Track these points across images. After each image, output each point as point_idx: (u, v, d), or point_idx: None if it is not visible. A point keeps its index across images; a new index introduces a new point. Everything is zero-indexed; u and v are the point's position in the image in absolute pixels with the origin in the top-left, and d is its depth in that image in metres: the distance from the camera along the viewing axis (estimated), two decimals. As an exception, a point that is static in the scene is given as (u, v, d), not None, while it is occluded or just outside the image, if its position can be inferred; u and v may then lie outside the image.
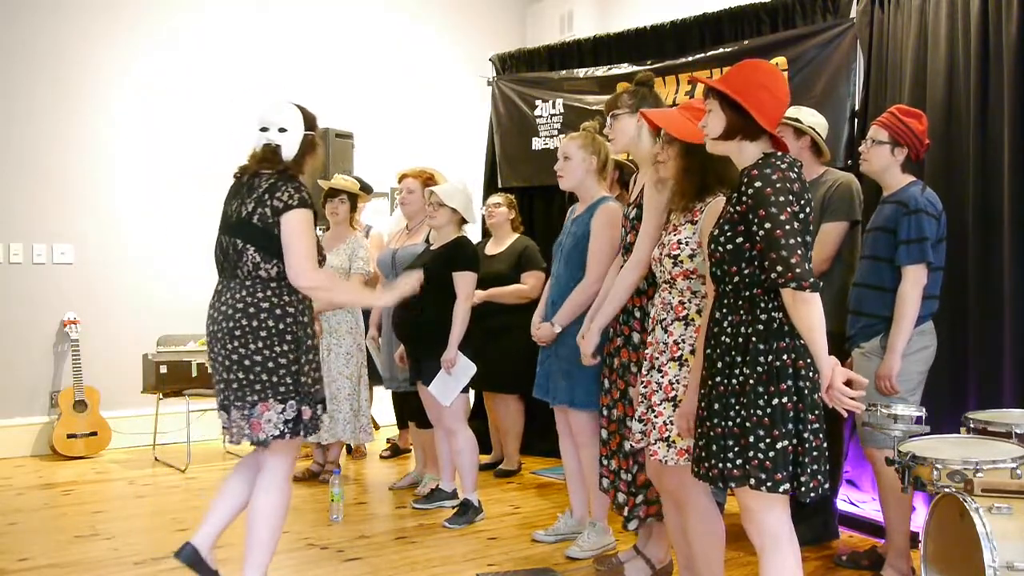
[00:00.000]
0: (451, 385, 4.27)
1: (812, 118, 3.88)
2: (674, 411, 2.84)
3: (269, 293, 2.99)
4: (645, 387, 2.98)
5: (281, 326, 2.97)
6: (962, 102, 4.05)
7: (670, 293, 2.94)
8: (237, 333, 2.95)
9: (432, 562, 3.81)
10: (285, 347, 2.97)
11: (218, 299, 3.05)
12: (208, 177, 5.86)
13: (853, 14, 4.54)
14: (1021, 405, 3.59)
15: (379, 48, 7.15)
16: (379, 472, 5.58)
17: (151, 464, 5.71)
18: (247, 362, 2.95)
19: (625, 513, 3.43)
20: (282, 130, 3.07)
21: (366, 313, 5.29)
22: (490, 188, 6.23)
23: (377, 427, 6.63)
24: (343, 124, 6.18)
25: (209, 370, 3.17)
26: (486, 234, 5.57)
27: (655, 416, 2.89)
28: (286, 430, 2.98)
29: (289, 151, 3.06)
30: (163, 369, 5.68)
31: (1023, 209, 3.86)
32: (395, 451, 5.96)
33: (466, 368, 4.26)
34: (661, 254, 2.97)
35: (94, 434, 5.87)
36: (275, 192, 2.98)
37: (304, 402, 3.01)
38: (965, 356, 3.99)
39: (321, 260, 3.12)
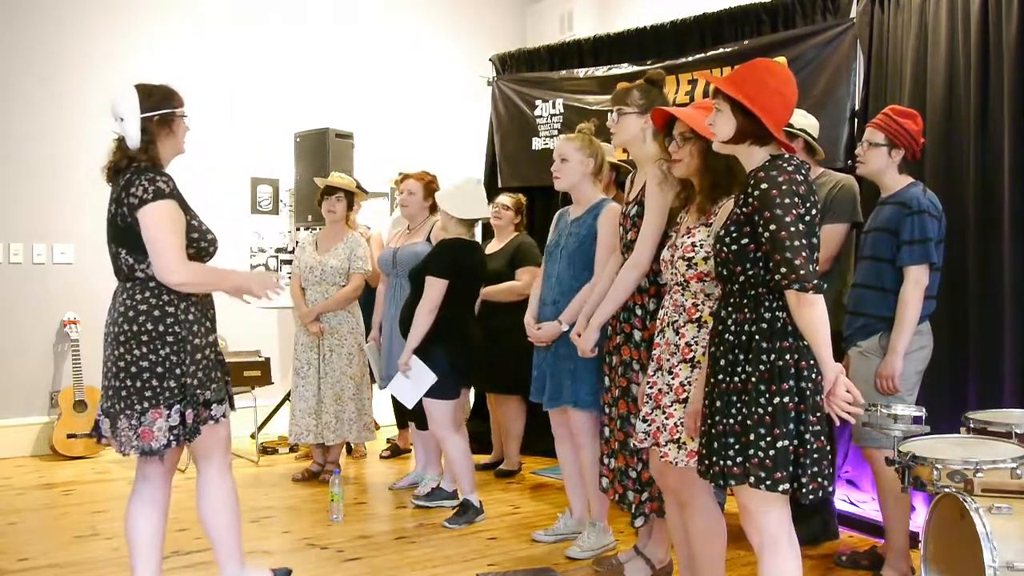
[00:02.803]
0: (408, 389, 4.26)
1: (804, 120, 3.86)
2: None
3: (148, 295, 2.88)
4: (651, 388, 2.97)
5: (161, 328, 2.85)
6: (962, 102, 4.05)
7: (682, 295, 2.93)
8: (122, 339, 2.86)
9: (432, 562, 3.81)
10: (168, 350, 2.84)
11: (111, 303, 2.97)
12: (207, 177, 5.88)
13: (853, 14, 4.54)
14: (1021, 405, 3.59)
15: (379, 48, 7.14)
16: (379, 472, 5.58)
17: (151, 464, 5.70)
18: (134, 368, 2.84)
19: (633, 510, 3.43)
20: (120, 119, 2.93)
21: (367, 313, 5.29)
22: (490, 188, 6.22)
23: (377, 427, 6.62)
24: (343, 124, 6.17)
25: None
26: (489, 234, 5.56)
27: (666, 418, 2.88)
28: (172, 438, 2.86)
29: (132, 140, 2.91)
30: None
31: (1023, 209, 3.86)
32: (395, 451, 5.95)
33: (423, 374, 4.23)
34: (674, 256, 2.94)
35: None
36: (130, 188, 2.85)
37: (188, 406, 2.88)
38: (965, 356, 3.99)
39: (209, 246, 2.98)
